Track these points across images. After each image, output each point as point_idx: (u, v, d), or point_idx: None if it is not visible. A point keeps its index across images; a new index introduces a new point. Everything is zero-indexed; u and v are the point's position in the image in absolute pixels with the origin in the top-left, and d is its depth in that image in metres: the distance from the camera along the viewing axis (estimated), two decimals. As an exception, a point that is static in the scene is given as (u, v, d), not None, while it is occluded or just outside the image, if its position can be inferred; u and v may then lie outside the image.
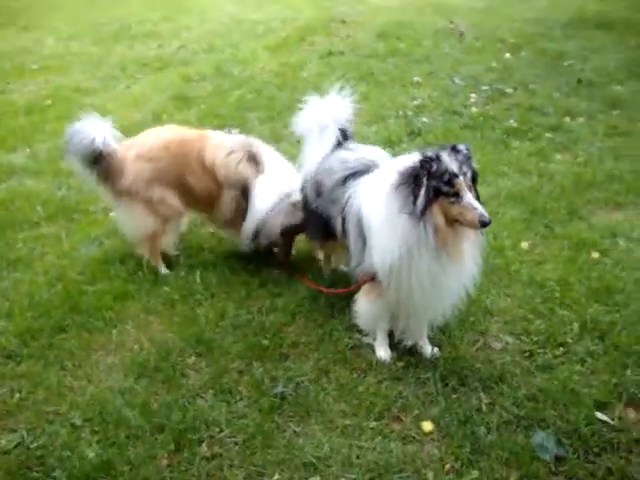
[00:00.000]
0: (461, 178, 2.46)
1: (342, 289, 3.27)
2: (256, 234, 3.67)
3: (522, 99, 6.40)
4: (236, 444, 2.58)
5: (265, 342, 3.14)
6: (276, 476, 2.43)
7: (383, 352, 3.04)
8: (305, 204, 3.39)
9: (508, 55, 7.84)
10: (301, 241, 3.82)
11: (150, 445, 2.57)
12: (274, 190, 3.64)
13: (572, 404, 2.65)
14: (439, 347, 3.06)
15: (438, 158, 2.47)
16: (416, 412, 2.69)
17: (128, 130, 4.20)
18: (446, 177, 2.45)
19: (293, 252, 3.87)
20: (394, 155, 3.17)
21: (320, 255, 3.78)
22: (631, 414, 2.63)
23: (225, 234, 4.08)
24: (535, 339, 3.08)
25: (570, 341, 3.05)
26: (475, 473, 2.39)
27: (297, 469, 2.46)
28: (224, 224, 3.88)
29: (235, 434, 2.62)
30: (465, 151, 2.53)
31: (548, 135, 5.51)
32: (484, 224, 2.45)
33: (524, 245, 3.86)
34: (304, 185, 3.36)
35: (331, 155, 3.19)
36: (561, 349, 3.01)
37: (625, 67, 7.15)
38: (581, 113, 5.95)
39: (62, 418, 2.74)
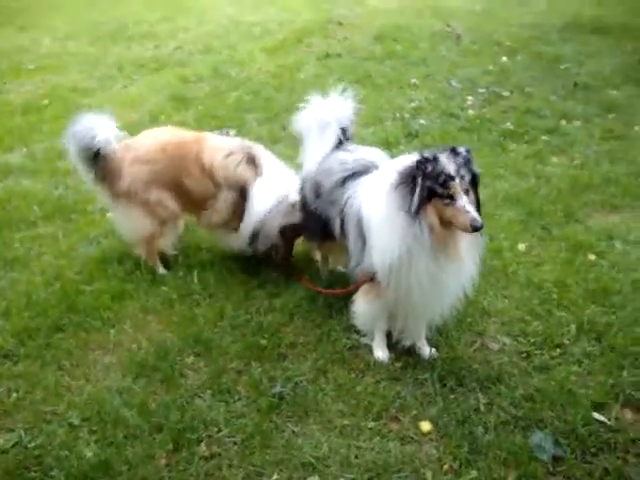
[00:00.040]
0: (457, 181, 2.46)
1: (340, 289, 3.28)
2: (254, 237, 3.66)
3: (518, 102, 6.43)
4: (235, 444, 2.58)
5: (263, 342, 3.14)
6: (275, 476, 2.43)
7: (381, 352, 3.05)
8: (304, 205, 3.39)
9: (505, 58, 7.87)
10: (298, 243, 3.82)
11: (148, 445, 2.57)
12: (272, 193, 3.64)
13: (569, 405, 2.67)
14: (437, 348, 3.07)
15: (435, 159, 2.48)
16: (414, 412, 2.70)
17: (125, 130, 4.18)
18: (442, 179, 2.46)
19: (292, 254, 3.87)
20: (392, 157, 3.18)
21: (318, 256, 3.78)
22: (628, 415, 2.64)
23: (219, 238, 4.00)
24: (532, 340, 3.10)
25: (567, 342, 3.06)
26: (473, 473, 2.40)
27: (296, 469, 2.46)
28: (220, 226, 3.85)
29: (234, 434, 2.62)
30: (465, 154, 2.53)
31: (544, 138, 5.54)
32: (475, 228, 2.45)
33: (521, 247, 3.87)
34: (303, 185, 3.36)
35: (330, 156, 3.20)
36: (558, 350, 3.02)
37: (621, 71, 7.20)
38: (577, 116, 5.99)
39: (60, 418, 2.73)
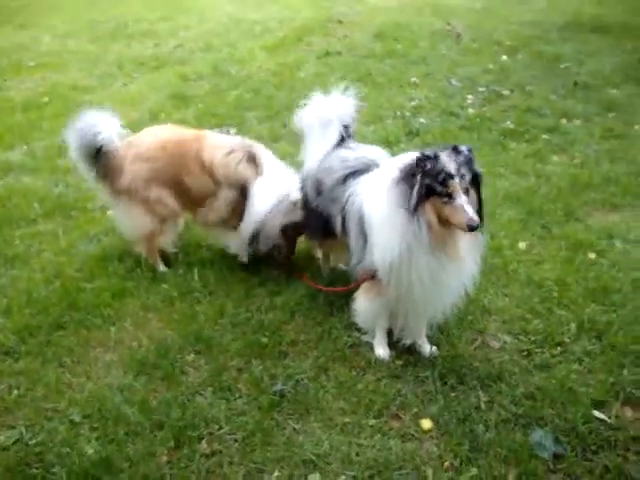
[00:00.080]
0: (456, 179, 2.45)
1: (341, 287, 3.28)
2: (254, 237, 3.65)
3: (519, 101, 6.43)
4: (236, 441, 2.58)
5: (264, 340, 3.14)
6: (276, 473, 2.44)
7: (382, 350, 3.05)
8: (305, 203, 3.39)
9: (505, 57, 7.87)
10: (300, 241, 3.82)
11: (149, 442, 2.57)
12: (273, 192, 3.64)
13: (570, 403, 2.67)
14: (437, 346, 3.07)
15: (436, 157, 2.47)
16: (415, 410, 2.71)
17: (125, 128, 4.18)
18: (441, 177, 2.45)
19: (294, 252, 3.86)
20: (393, 155, 3.18)
21: (319, 254, 3.78)
22: (628, 412, 2.65)
23: (215, 237, 3.99)
24: (533, 338, 3.10)
25: (567, 340, 3.07)
26: (474, 470, 2.40)
27: (297, 466, 2.46)
28: (217, 224, 3.82)
29: (235, 431, 2.62)
30: (466, 152, 2.51)
31: (545, 137, 5.54)
32: (472, 228, 2.43)
33: (522, 245, 3.88)
34: (304, 183, 3.36)
35: (332, 154, 3.20)
36: (559, 348, 3.03)
37: (621, 70, 7.21)
38: (577, 115, 5.99)
39: (61, 415, 2.73)
